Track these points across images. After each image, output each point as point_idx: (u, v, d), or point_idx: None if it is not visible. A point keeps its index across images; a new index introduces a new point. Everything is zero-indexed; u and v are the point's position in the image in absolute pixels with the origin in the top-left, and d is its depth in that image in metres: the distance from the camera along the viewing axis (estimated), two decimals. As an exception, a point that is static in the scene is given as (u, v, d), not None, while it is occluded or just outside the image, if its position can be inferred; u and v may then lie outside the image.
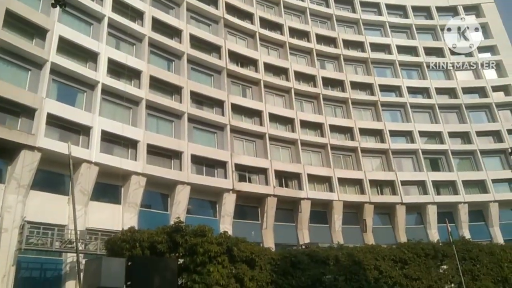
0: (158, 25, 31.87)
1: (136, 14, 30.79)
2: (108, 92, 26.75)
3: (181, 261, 16.01)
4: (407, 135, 40.95)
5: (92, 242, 22.23)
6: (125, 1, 29.78)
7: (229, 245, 16.68)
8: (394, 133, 40.26)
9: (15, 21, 23.28)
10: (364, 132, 39.55)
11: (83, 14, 27.55)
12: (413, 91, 43.45)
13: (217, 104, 33.21)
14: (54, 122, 23.46)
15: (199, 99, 32.45)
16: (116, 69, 27.94)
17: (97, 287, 13.04)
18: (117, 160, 25.21)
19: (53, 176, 23.28)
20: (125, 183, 25.73)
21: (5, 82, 21.70)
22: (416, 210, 38.03)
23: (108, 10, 28.56)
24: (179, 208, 27.20)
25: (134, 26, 29.99)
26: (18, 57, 23.05)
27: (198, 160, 29.88)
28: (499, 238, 36.16)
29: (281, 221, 32.27)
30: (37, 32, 24.49)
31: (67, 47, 25.62)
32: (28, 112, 22.39)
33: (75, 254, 19.09)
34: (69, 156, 17.86)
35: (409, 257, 21.52)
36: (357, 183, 37.07)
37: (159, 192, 28.17)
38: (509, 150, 36.32)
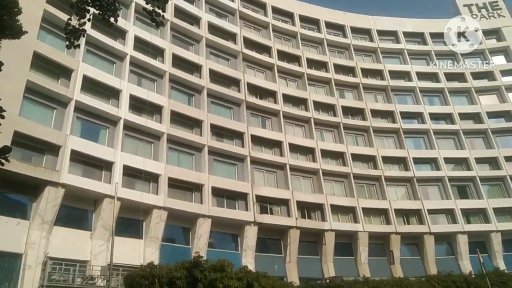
0: (178, 61, 32.82)
1: (157, 52, 31.84)
2: (130, 127, 27.37)
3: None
4: (432, 162, 39.95)
5: (113, 278, 22.09)
6: (146, 39, 30.96)
7: (249, 280, 16.30)
8: (418, 161, 39.41)
9: (41, 63, 24.42)
10: (387, 160, 38.85)
11: (106, 53, 28.68)
12: (435, 117, 42.80)
13: (237, 136, 33.42)
14: (78, 158, 24.00)
15: (219, 131, 32.77)
16: (138, 105, 28.64)
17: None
18: (139, 195, 25.37)
19: (76, 211, 23.59)
20: (146, 218, 25.79)
21: (32, 121, 22.49)
22: (446, 240, 36.39)
23: (130, 49, 29.69)
24: (200, 242, 26.95)
25: (155, 63, 31.01)
26: (44, 96, 24.00)
27: (219, 193, 29.82)
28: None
29: (305, 254, 31.51)
30: (62, 72, 25.55)
31: (90, 85, 26.54)
32: (52, 149, 23.01)
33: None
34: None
35: (440, 290, 20.59)
36: (382, 213, 36.06)
37: (180, 226, 28.08)
38: None
